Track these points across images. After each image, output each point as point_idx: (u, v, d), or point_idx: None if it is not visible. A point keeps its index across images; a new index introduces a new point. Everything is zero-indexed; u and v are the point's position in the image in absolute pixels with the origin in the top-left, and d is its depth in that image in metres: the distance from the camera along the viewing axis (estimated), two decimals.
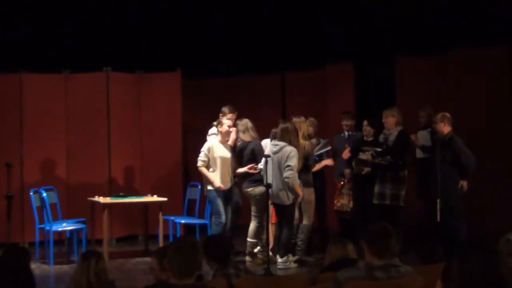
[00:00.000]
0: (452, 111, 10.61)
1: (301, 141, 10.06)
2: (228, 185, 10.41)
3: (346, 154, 11.03)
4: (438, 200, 9.90)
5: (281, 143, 9.82)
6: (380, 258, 4.98)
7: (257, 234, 10.22)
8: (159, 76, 13.30)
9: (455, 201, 9.93)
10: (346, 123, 11.47)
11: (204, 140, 10.67)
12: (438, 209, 9.90)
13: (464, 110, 11.14)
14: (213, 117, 10.91)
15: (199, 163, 10.36)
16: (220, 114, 10.67)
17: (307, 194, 10.16)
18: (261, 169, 9.98)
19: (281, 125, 9.94)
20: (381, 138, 10.65)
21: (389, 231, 5.06)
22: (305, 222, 10.24)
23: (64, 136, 12.65)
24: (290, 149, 9.74)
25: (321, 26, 13.26)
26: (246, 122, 10.50)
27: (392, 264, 5.00)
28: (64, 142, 12.66)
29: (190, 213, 12.11)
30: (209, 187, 10.33)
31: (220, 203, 10.28)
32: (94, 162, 12.76)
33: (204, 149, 10.39)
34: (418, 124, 10.96)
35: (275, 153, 9.80)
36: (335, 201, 11.29)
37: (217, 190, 10.27)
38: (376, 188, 10.44)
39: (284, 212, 9.95)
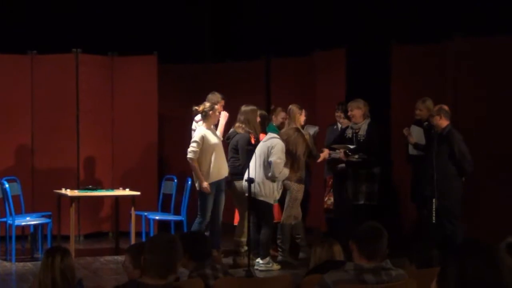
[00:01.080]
0: (450, 102, 10.66)
1: (294, 132, 10.14)
2: (225, 173, 10.28)
3: (324, 155, 10.89)
4: (433, 200, 9.92)
5: (269, 134, 9.98)
6: (370, 260, 4.99)
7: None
8: (134, 59, 13.25)
9: (451, 201, 9.95)
10: (339, 114, 11.45)
11: (183, 129, 10.64)
12: (433, 209, 9.92)
13: (462, 102, 11.18)
14: (191, 105, 10.84)
15: (191, 155, 10.05)
16: (214, 103, 10.44)
17: (296, 191, 10.19)
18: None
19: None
20: (349, 132, 10.64)
21: (380, 232, 5.08)
22: (284, 220, 10.24)
23: (29, 123, 12.60)
24: (275, 142, 9.82)
25: (310, 9, 13.26)
26: (251, 111, 10.42)
27: (383, 267, 5.01)
28: (29, 129, 12.61)
29: (165, 209, 12.08)
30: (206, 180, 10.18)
31: (210, 204, 10.13)
32: (62, 152, 12.70)
33: (197, 138, 10.10)
34: (413, 116, 10.94)
35: (263, 141, 9.98)
36: (325, 199, 11.31)
37: (211, 184, 10.13)
38: (350, 188, 10.47)
39: (262, 208, 9.95)
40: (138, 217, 11.41)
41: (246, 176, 9.62)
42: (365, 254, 5.00)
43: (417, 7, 12.05)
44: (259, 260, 9.96)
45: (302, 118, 10.42)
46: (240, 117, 10.36)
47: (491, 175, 10.89)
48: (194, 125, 10.78)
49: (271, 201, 9.97)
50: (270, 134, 10.01)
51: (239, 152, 10.21)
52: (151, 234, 11.18)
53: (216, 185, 10.17)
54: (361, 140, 10.47)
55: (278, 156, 9.79)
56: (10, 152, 12.50)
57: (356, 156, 10.45)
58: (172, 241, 4.47)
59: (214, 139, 10.21)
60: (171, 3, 14.02)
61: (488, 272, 2.87)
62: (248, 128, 10.28)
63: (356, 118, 10.59)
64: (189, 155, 10.10)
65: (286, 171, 9.88)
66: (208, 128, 10.22)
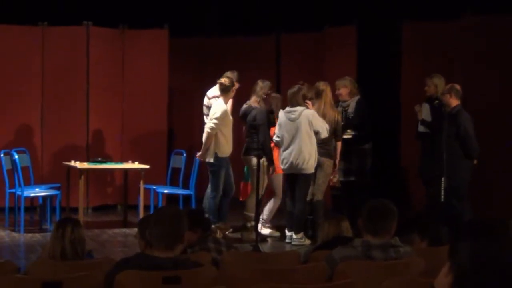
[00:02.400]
0: (462, 81, 10.63)
1: (330, 110, 10.23)
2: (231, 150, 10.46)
3: None
4: (442, 179, 9.93)
5: (299, 108, 9.95)
6: (376, 236, 5.02)
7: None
8: (145, 33, 13.23)
9: (457, 181, 9.94)
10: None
11: (193, 103, 10.66)
12: (442, 188, 9.94)
13: (475, 81, 11.13)
14: (202, 79, 10.88)
15: (211, 130, 10.15)
16: (230, 83, 10.46)
17: (328, 166, 10.26)
18: (277, 141, 10.08)
19: (291, 90, 10.10)
20: (339, 111, 10.69)
21: (387, 209, 5.09)
22: (319, 197, 10.30)
23: (39, 95, 12.61)
24: (310, 112, 9.92)
25: None
26: (268, 86, 10.46)
27: (391, 244, 5.03)
28: (39, 101, 12.62)
29: (173, 183, 12.11)
30: (220, 154, 10.25)
31: (223, 178, 10.30)
32: (72, 124, 12.72)
33: (219, 114, 10.15)
34: (423, 94, 10.91)
35: (294, 119, 9.93)
36: (331, 177, 11.33)
37: (223, 159, 10.26)
38: (341, 165, 10.55)
39: (301, 182, 10.02)
40: (147, 191, 11.44)
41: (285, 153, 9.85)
42: (371, 230, 5.03)
43: None
44: (292, 234, 10.04)
45: (330, 94, 10.45)
46: (259, 91, 10.37)
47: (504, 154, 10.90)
48: (206, 100, 10.81)
49: (312, 171, 10.04)
50: (294, 108, 9.97)
51: (258, 126, 10.18)
52: None
53: (227, 159, 10.29)
54: (350, 118, 10.58)
55: (320, 121, 9.94)
56: (20, 124, 12.52)
57: (347, 133, 10.53)
58: (177, 212, 4.53)
59: (230, 115, 10.38)
60: None
61: (498, 248, 2.88)
62: (264, 104, 10.31)
63: (343, 96, 10.73)
64: (209, 130, 10.21)
65: (327, 127, 10.03)
66: (226, 103, 10.31)
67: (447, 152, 9.87)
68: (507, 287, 2.84)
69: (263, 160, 10.00)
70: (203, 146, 10.31)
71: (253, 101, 10.35)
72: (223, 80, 10.35)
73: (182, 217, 4.52)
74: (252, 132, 10.23)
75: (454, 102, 9.96)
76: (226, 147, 10.28)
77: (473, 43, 11.29)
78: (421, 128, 10.77)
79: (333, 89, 10.65)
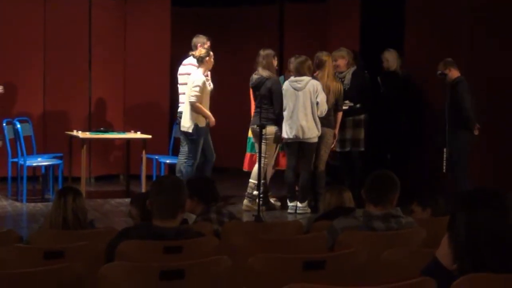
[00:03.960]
0: (465, 52, 10.62)
1: (333, 81, 10.31)
2: None
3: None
4: (444, 150, 9.96)
5: (305, 78, 10.02)
6: (377, 206, 5.03)
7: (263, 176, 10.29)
8: (147, 2, 13.21)
9: (456, 152, 10.00)
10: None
11: None
12: (444, 158, 9.96)
13: (477, 52, 11.08)
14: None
15: (195, 99, 10.21)
16: (199, 44, 10.66)
17: (329, 136, 10.30)
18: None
19: (298, 59, 10.13)
20: None
21: (388, 179, 5.11)
22: (321, 167, 10.33)
23: (41, 64, 12.59)
24: (316, 83, 10.03)
25: None
26: (270, 55, 10.46)
27: (393, 214, 5.05)
28: (42, 70, 12.61)
29: (175, 153, 12.09)
30: (200, 125, 10.32)
31: (201, 146, 10.43)
32: (74, 94, 12.73)
33: (199, 83, 10.24)
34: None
35: (299, 89, 9.98)
36: (332, 146, 11.35)
37: (202, 128, 10.33)
38: (351, 134, 10.63)
39: (306, 151, 10.11)
40: (149, 161, 11.46)
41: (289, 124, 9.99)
42: (372, 200, 5.05)
43: None
44: (297, 203, 10.12)
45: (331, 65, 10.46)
46: (263, 61, 10.35)
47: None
48: (181, 68, 10.84)
49: (316, 140, 10.13)
50: (300, 78, 10.01)
51: (273, 97, 10.17)
52: None
53: (206, 128, 10.42)
54: (346, 89, 10.58)
55: (324, 95, 10.04)
56: (22, 94, 12.51)
57: (344, 105, 10.55)
58: (177, 181, 4.55)
59: (209, 85, 10.47)
60: None
61: (493, 218, 2.88)
62: (270, 72, 10.30)
63: (341, 67, 10.75)
64: (192, 99, 10.24)
65: (326, 107, 10.10)
66: (204, 73, 10.38)
67: (448, 123, 9.90)
68: (503, 256, 2.85)
69: (276, 130, 10.14)
70: (188, 116, 10.33)
71: (261, 71, 10.32)
72: (196, 53, 10.44)
73: (182, 186, 4.55)
74: (265, 102, 10.20)
75: (455, 74, 10.10)
76: (203, 118, 10.36)
77: (477, 12, 11.21)
78: None
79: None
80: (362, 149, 10.69)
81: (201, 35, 10.90)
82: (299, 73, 10.06)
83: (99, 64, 12.83)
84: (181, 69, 10.91)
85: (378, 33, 12.01)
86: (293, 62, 10.35)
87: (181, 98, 10.80)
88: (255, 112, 10.37)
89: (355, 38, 12.32)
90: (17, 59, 12.39)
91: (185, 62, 10.88)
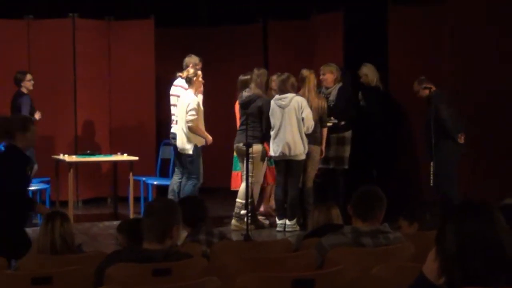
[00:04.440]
0: (448, 64, 10.73)
1: (315, 97, 10.30)
2: None
3: None
4: (431, 163, 10.03)
5: (289, 95, 10.04)
6: (367, 223, 5.03)
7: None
8: (131, 23, 13.21)
9: (441, 163, 10.12)
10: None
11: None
12: (431, 172, 10.02)
13: (462, 65, 11.16)
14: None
15: (192, 124, 10.28)
16: (191, 64, 10.68)
17: (316, 153, 10.32)
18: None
19: (280, 77, 10.17)
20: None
21: (378, 195, 5.11)
22: (309, 184, 10.33)
23: None
24: (300, 99, 10.04)
25: None
26: (265, 74, 10.50)
27: (381, 230, 5.05)
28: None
29: (163, 174, 12.12)
30: (199, 144, 10.38)
31: (201, 163, 10.51)
32: (59, 117, 12.70)
33: (195, 105, 10.28)
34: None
35: (284, 106, 9.99)
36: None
37: (199, 148, 10.43)
38: (335, 151, 10.66)
39: (294, 169, 10.12)
40: (137, 182, 11.43)
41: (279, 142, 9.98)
42: (360, 216, 5.05)
43: None
44: (286, 221, 10.11)
45: (314, 81, 10.50)
46: (257, 79, 10.37)
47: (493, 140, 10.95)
48: (172, 89, 10.87)
49: (304, 157, 10.14)
50: (284, 95, 10.02)
51: (263, 116, 10.20)
52: (150, 199, 11.23)
53: (200, 148, 10.49)
54: (331, 105, 10.61)
55: (309, 111, 10.06)
56: None
57: (329, 122, 10.59)
58: (169, 205, 4.52)
59: (201, 105, 10.55)
60: None
61: (483, 231, 2.89)
62: (262, 92, 10.34)
63: (328, 82, 10.81)
64: (190, 124, 10.28)
65: (313, 123, 10.13)
66: (195, 93, 10.43)
67: (432, 135, 10.03)
68: (492, 269, 2.86)
69: (262, 149, 10.19)
70: (185, 138, 10.37)
71: (253, 89, 10.35)
72: (183, 73, 10.55)
73: (174, 209, 4.51)
74: (252, 120, 10.22)
75: (426, 92, 10.33)
76: (201, 138, 10.43)
77: (458, 27, 11.28)
78: None
79: (318, 74, 10.68)
80: (346, 167, 10.69)
81: (193, 55, 10.91)
82: (282, 91, 10.07)
83: (84, 87, 12.83)
84: (172, 90, 10.91)
85: (361, 49, 12.06)
86: (275, 80, 10.37)
87: (173, 118, 10.82)
88: (239, 130, 10.38)
89: (339, 54, 12.36)
90: (1, 85, 12.35)
91: (175, 83, 10.90)
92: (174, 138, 10.63)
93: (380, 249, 4.95)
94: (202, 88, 10.62)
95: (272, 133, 10.13)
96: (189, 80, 10.44)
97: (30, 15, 12.57)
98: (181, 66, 10.82)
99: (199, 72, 10.52)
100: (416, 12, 11.82)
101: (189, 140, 10.37)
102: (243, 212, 10.15)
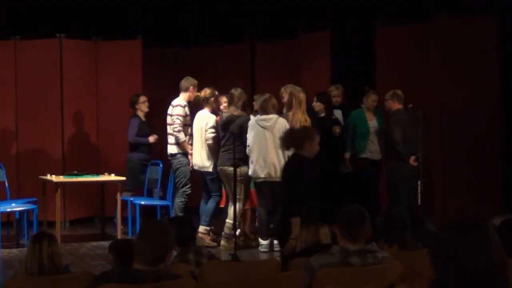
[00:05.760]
0: (436, 83, 10.84)
1: (300, 115, 10.21)
2: None
3: None
4: (418, 182, 10.07)
5: (272, 116, 9.99)
6: (355, 242, 5.04)
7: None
8: (118, 43, 13.23)
9: (393, 183, 10.42)
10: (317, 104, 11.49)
11: (165, 114, 10.79)
12: (418, 192, 10.07)
13: (448, 83, 11.26)
14: (177, 89, 10.95)
15: (212, 141, 10.58)
16: (191, 87, 10.94)
17: None
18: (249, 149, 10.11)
19: (262, 97, 10.13)
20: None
21: (361, 214, 5.12)
22: None
23: (13, 108, 12.56)
24: (284, 121, 9.99)
25: None
26: (242, 94, 10.51)
27: (369, 249, 5.06)
28: (13, 115, 12.57)
29: (150, 194, 12.09)
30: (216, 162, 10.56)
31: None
32: (46, 137, 12.70)
33: (214, 123, 10.56)
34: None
35: (268, 128, 9.93)
36: None
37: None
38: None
39: (278, 190, 9.95)
40: (124, 202, 11.41)
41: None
42: (349, 237, 5.05)
43: None
44: (271, 242, 10.11)
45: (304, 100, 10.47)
46: (238, 102, 10.36)
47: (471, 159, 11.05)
48: (170, 109, 10.91)
49: None
50: (268, 116, 10.01)
51: (243, 135, 10.19)
52: (137, 219, 11.22)
53: None
54: None
55: None
56: None
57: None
58: (163, 229, 4.41)
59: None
60: None
61: (481, 252, 2.89)
62: (242, 110, 10.35)
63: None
64: (209, 142, 10.57)
65: None
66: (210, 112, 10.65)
67: (385, 154, 10.27)
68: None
69: (243, 169, 10.08)
70: (205, 156, 10.59)
71: (233, 110, 10.35)
72: (201, 93, 10.75)
73: (168, 232, 4.41)
74: (236, 141, 10.16)
75: (395, 106, 10.56)
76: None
77: (447, 46, 11.36)
78: None
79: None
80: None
81: (190, 78, 11.06)
82: (265, 111, 10.04)
83: (71, 107, 12.83)
84: (170, 110, 10.93)
85: (349, 67, 12.13)
86: (257, 100, 10.39)
87: (170, 139, 10.84)
88: (222, 152, 10.35)
89: (326, 72, 12.41)
90: None
91: (173, 103, 10.94)
92: (171, 158, 10.86)
93: (369, 268, 4.96)
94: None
95: (252, 154, 10.07)
96: (206, 100, 10.63)
97: (17, 35, 12.57)
98: (168, 85, 10.87)
99: (217, 93, 10.67)
100: (402, 30, 11.88)
101: (208, 157, 10.54)
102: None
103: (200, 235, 10.42)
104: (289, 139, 8.88)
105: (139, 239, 4.38)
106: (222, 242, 10.33)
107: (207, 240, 10.53)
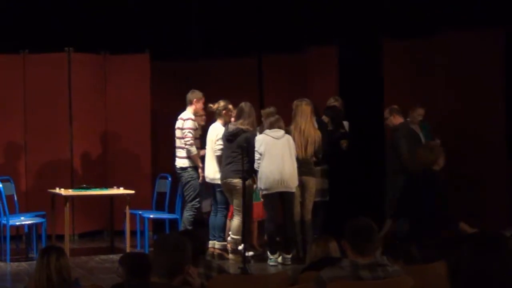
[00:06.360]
0: (442, 96, 10.80)
1: (311, 129, 10.24)
2: None
3: None
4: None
5: (280, 129, 10.02)
6: (365, 256, 5.00)
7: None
8: (126, 57, 13.24)
9: (390, 198, 10.19)
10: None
11: (172, 127, 10.80)
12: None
13: (455, 96, 11.24)
14: (185, 102, 10.92)
15: (221, 153, 10.52)
16: (195, 100, 10.85)
17: (312, 185, 10.28)
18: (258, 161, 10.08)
19: (270, 119, 10.13)
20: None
21: (369, 227, 5.08)
22: (308, 217, 10.28)
23: (22, 122, 12.58)
24: (290, 137, 10.04)
25: (301, 4, 13.21)
26: (251, 109, 10.48)
27: (379, 263, 5.02)
28: (22, 129, 12.60)
29: (159, 207, 12.06)
30: None
31: None
32: (55, 151, 12.70)
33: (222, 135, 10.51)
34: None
35: (279, 137, 9.95)
36: None
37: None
38: (320, 184, 10.59)
39: (290, 201, 10.04)
40: (133, 216, 11.38)
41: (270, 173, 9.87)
42: (358, 251, 5.00)
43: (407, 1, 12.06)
44: (282, 256, 10.02)
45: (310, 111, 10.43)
46: (246, 116, 10.33)
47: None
48: (180, 123, 10.85)
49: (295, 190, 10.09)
50: (275, 129, 10.00)
51: (249, 148, 10.14)
52: (146, 233, 11.20)
53: None
54: None
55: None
56: (3, 152, 12.48)
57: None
58: (179, 242, 4.39)
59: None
60: (161, 0, 13.99)
61: (498, 266, 2.86)
62: (250, 126, 10.30)
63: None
64: (218, 153, 10.53)
65: None
66: (223, 125, 10.62)
67: (388, 168, 10.19)
68: None
69: (249, 181, 10.05)
70: (217, 168, 10.54)
71: (240, 124, 10.31)
72: (214, 105, 10.74)
73: (184, 246, 4.39)
74: (241, 153, 10.12)
75: (398, 120, 10.58)
76: None
77: (454, 59, 11.35)
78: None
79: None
80: (327, 199, 10.66)
81: (196, 91, 10.99)
82: (275, 127, 10.06)
83: (80, 121, 12.83)
84: (179, 123, 10.89)
85: (356, 81, 12.08)
86: (264, 115, 10.39)
87: (179, 152, 10.81)
88: (226, 164, 10.30)
89: (333, 85, 12.35)
90: None
91: (183, 116, 10.89)
92: (179, 171, 10.79)
93: (379, 282, 4.92)
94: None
95: (263, 166, 10.02)
96: (218, 112, 10.63)
97: (26, 49, 12.58)
98: (176, 98, 10.84)
99: (230, 106, 10.62)
100: (409, 44, 11.87)
101: (219, 169, 10.52)
102: (240, 247, 10.11)
103: (217, 251, 10.40)
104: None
105: (156, 252, 4.37)
106: (231, 256, 10.27)
107: (227, 255, 10.44)
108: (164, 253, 4.31)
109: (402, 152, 10.20)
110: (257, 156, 10.00)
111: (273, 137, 9.95)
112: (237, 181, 10.08)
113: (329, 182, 10.63)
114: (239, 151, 10.09)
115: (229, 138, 10.33)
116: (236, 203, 10.23)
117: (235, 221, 10.25)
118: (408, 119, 10.99)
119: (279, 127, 10.03)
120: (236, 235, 10.18)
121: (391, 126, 10.50)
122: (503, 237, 2.96)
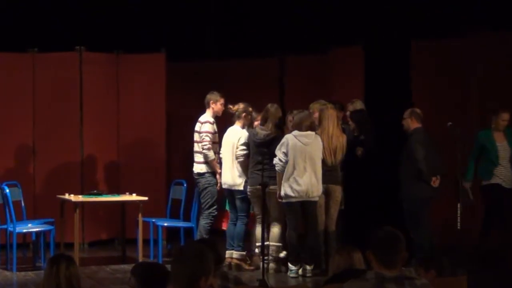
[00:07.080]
0: (474, 97, 10.77)
1: (339, 135, 10.24)
2: None
3: None
4: (458, 205, 10.05)
5: (311, 133, 10.00)
6: (391, 268, 4.97)
7: (283, 237, 10.25)
8: (141, 57, 13.25)
9: (410, 205, 10.22)
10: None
11: (193, 130, 10.75)
12: (458, 215, 10.02)
13: (486, 97, 11.20)
14: (202, 104, 10.92)
15: (243, 158, 10.55)
16: (211, 101, 10.84)
17: (338, 193, 10.31)
18: (282, 165, 10.03)
19: (300, 114, 10.13)
20: None
21: (396, 238, 5.05)
22: (332, 227, 10.28)
23: (30, 125, 12.62)
24: (320, 139, 10.03)
25: (325, 3, 13.22)
26: (278, 110, 10.51)
27: (406, 276, 4.99)
28: (31, 131, 12.63)
29: (173, 215, 12.05)
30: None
31: None
32: (65, 155, 12.73)
33: (246, 139, 10.53)
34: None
35: (308, 144, 9.93)
36: None
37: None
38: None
39: (313, 211, 10.07)
40: (146, 224, 11.38)
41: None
42: (384, 263, 4.97)
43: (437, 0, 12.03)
44: (305, 267, 10.00)
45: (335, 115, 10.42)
46: (274, 119, 10.33)
47: None
48: (198, 126, 10.85)
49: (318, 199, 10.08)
50: (308, 133, 9.96)
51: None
52: (160, 242, 11.20)
53: None
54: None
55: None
56: (11, 156, 12.52)
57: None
58: (200, 252, 4.37)
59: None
60: None
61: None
62: (276, 129, 10.32)
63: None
64: (241, 159, 10.52)
65: None
66: (242, 128, 10.65)
67: (403, 175, 10.13)
68: None
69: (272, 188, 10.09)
70: (237, 173, 10.55)
71: (270, 128, 10.31)
72: (234, 107, 10.75)
73: (203, 259, 4.36)
74: (269, 159, 10.14)
75: (414, 125, 10.39)
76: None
77: (482, 60, 11.32)
78: None
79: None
80: (342, 207, 10.60)
81: (215, 92, 10.99)
82: (300, 128, 10.01)
83: (91, 123, 12.85)
84: (197, 127, 10.90)
85: (383, 82, 12.08)
86: (291, 117, 10.37)
87: (197, 157, 10.82)
88: (257, 170, 10.27)
89: (359, 87, 12.35)
90: (6, 121, 12.43)
91: (201, 119, 10.90)
92: (197, 177, 10.81)
93: None
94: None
95: (288, 171, 9.99)
96: (238, 115, 10.64)
97: (35, 47, 12.62)
98: (193, 100, 10.84)
99: (250, 109, 10.66)
100: (438, 44, 11.85)
101: (240, 175, 10.53)
102: (282, 254, 10.12)
103: (235, 261, 10.39)
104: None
105: (175, 261, 4.36)
106: (271, 265, 10.20)
107: (245, 266, 10.45)
108: (184, 262, 4.30)
109: (418, 158, 10.12)
110: (281, 155, 9.97)
111: (302, 143, 9.92)
112: (273, 188, 10.12)
113: (344, 190, 10.59)
114: (269, 157, 10.14)
115: (262, 144, 10.29)
116: (272, 210, 10.21)
117: (275, 229, 10.26)
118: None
119: (311, 128, 10.01)
120: (278, 242, 10.19)
121: (405, 128, 10.42)
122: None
